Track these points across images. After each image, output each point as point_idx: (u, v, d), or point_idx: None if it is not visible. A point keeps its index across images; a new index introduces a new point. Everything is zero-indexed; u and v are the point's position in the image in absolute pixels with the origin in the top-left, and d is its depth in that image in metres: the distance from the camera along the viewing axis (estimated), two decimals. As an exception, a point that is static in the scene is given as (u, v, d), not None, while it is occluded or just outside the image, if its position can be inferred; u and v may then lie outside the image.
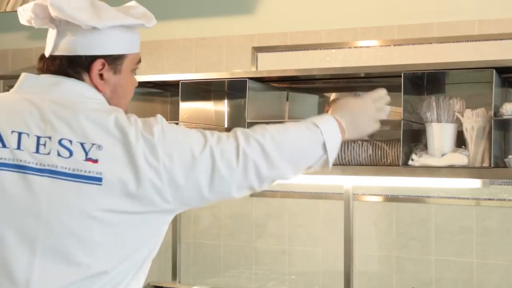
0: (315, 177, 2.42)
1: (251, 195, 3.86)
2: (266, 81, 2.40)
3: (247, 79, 2.25)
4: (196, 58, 3.97)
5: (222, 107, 2.61)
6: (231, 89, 2.56)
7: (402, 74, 2.03)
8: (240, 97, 2.51)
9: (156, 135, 1.39)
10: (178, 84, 2.36)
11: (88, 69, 1.48)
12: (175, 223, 2.69)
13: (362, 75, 2.26)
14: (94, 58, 1.48)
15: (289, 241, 3.73)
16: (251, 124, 2.25)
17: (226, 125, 2.60)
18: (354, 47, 3.58)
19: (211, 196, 1.43)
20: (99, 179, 1.33)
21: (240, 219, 3.86)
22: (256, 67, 3.80)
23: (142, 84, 2.60)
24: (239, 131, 1.47)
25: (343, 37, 3.56)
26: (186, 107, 2.38)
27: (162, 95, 2.74)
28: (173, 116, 2.64)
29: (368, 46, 3.53)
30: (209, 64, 3.91)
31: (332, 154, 1.54)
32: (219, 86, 2.51)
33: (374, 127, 1.64)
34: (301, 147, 1.50)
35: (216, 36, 3.96)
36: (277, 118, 2.47)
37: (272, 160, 1.46)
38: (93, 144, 1.35)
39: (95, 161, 1.34)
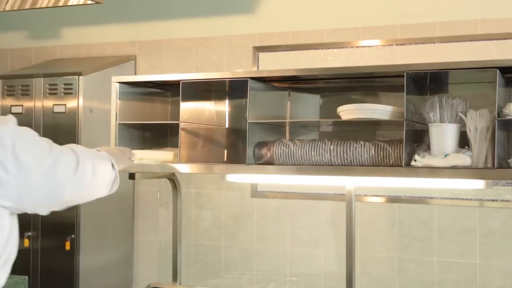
0: (316, 178, 2.41)
1: (252, 196, 3.87)
2: (267, 81, 2.39)
3: (248, 79, 2.24)
4: (196, 58, 3.97)
5: (223, 107, 2.61)
6: (232, 89, 2.55)
7: (405, 74, 2.03)
8: (241, 97, 2.50)
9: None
10: (179, 84, 2.35)
11: None
12: (175, 224, 2.69)
13: (364, 75, 2.25)
14: None
15: (290, 242, 3.73)
16: (252, 125, 2.26)
17: (227, 125, 2.59)
18: (356, 47, 3.58)
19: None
20: None
21: (241, 220, 3.86)
22: (257, 67, 3.80)
23: (142, 84, 2.60)
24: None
25: (345, 36, 3.56)
26: (187, 107, 2.38)
27: (163, 95, 2.73)
28: (174, 116, 2.64)
29: (370, 46, 3.53)
30: (210, 63, 3.91)
31: (117, 172, 1.85)
32: (220, 86, 2.50)
33: (129, 162, 2.10)
34: (103, 168, 1.79)
35: (216, 36, 3.96)
36: (278, 118, 2.46)
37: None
38: None
39: None
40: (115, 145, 2.45)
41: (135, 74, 4.03)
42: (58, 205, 1.60)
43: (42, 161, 1.53)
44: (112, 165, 1.82)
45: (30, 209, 1.56)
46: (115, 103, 2.47)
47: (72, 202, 1.64)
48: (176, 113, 2.43)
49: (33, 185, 1.50)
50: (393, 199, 3.44)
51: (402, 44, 3.38)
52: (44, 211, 1.59)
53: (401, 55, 3.37)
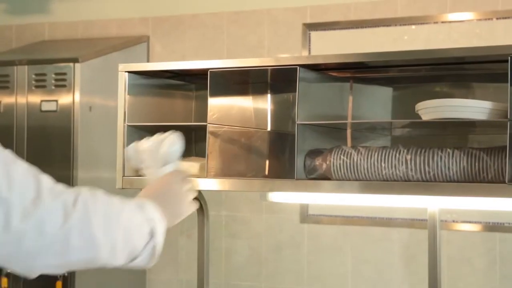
0: (387, 198, 2.41)
1: (302, 221, 3.87)
2: (322, 69, 2.40)
3: (298, 67, 2.25)
4: (228, 39, 4.01)
5: (264, 104, 2.62)
6: (276, 81, 2.57)
7: (509, 58, 2.01)
8: (288, 91, 2.51)
9: None
10: (206, 74, 2.38)
11: None
12: (201, 258, 2.72)
13: (453, 60, 2.25)
14: None
15: (352, 283, 3.73)
16: (303, 127, 2.28)
17: (269, 128, 2.61)
18: (442, 22, 3.56)
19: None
20: None
21: (287, 253, 3.87)
22: (309, 51, 3.82)
23: (157, 74, 2.64)
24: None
25: (427, 8, 3.55)
26: (216, 104, 2.40)
27: (184, 88, 2.77)
28: (200, 117, 2.66)
29: (460, 21, 3.51)
30: (246, 47, 3.94)
31: (161, 243, 1.75)
32: (260, 77, 2.52)
33: (189, 210, 1.95)
34: (127, 228, 1.67)
35: (254, 9, 3.99)
36: (337, 119, 2.47)
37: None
38: None
39: None
40: (123, 154, 2.49)
41: (148, 61, 4.09)
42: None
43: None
44: (151, 231, 1.73)
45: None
46: (122, 99, 2.51)
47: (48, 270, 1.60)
48: (202, 112, 2.45)
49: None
50: (492, 227, 3.40)
51: (505, 18, 3.36)
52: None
53: (504, 32, 3.34)
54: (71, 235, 1.54)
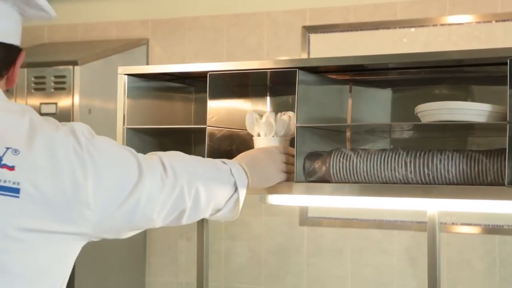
0: (387, 200, 2.41)
1: (301, 223, 3.87)
2: (321, 72, 2.40)
3: (297, 69, 2.25)
4: (228, 42, 4.01)
5: (263, 106, 2.63)
6: (275, 83, 2.57)
7: (508, 60, 2.01)
8: (287, 93, 2.52)
9: (83, 142, 1.56)
10: (205, 77, 2.38)
11: (13, 62, 1.66)
12: (201, 261, 2.71)
13: (452, 62, 2.25)
14: (20, 49, 1.67)
15: (352, 285, 3.72)
16: (302, 129, 2.28)
17: (268, 131, 2.62)
18: (441, 25, 3.56)
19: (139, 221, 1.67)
20: (17, 190, 1.44)
21: (287, 255, 3.87)
22: (308, 53, 3.82)
23: (157, 77, 2.64)
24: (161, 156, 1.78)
25: (426, 11, 3.55)
26: (216, 107, 2.40)
27: (184, 91, 2.77)
28: (199, 119, 2.67)
29: (460, 23, 3.51)
30: (246, 49, 3.94)
31: (243, 194, 1.90)
32: (259, 79, 2.53)
33: (280, 177, 2.11)
34: (213, 182, 1.83)
35: (254, 12, 3.99)
36: (336, 121, 2.47)
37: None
38: (7, 148, 1.46)
39: (12, 168, 1.44)
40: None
41: (148, 63, 4.09)
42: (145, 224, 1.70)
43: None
44: (235, 184, 1.88)
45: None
46: (122, 102, 2.51)
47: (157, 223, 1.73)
48: (201, 115, 2.45)
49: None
50: (492, 230, 3.40)
51: (504, 20, 3.36)
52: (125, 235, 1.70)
53: (503, 35, 3.34)
54: (163, 202, 1.68)
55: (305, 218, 3.80)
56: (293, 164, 2.18)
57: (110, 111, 2.72)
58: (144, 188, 1.62)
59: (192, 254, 3.01)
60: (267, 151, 2.16)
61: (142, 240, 4.08)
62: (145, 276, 4.09)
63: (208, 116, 2.37)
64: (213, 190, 1.82)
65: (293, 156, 2.19)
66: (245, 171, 1.95)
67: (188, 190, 1.74)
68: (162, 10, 4.07)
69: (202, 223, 2.72)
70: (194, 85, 2.76)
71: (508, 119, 2.02)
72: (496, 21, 3.37)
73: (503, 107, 2.07)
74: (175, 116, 2.72)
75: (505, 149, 2.01)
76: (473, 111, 2.16)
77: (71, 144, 1.54)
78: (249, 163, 1.99)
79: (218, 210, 1.88)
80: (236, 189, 1.88)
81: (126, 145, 2.50)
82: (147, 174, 1.64)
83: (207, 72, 2.38)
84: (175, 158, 1.78)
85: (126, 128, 2.51)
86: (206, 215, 1.85)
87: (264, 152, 2.14)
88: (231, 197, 1.88)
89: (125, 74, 2.53)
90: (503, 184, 2.03)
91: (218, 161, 1.93)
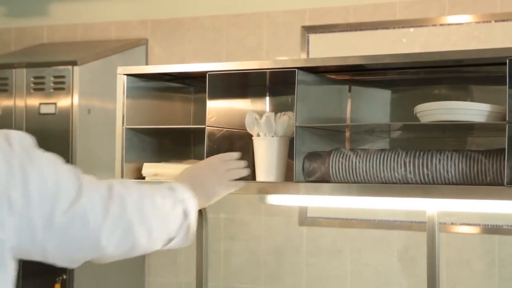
0: (386, 200, 2.41)
1: (301, 223, 3.87)
2: (321, 72, 2.40)
3: (296, 70, 2.25)
4: (227, 42, 4.01)
5: (263, 106, 2.63)
6: (275, 83, 2.57)
7: (508, 60, 2.01)
8: (286, 93, 2.52)
9: (17, 150, 1.53)
10: (204, 77, 2.38)
11: None
12: (200, 261, 2.71)
13: (452, 63, 2.25)
14: None
15: (352, 285, 3.72)
16: (301, 130, 2.28)
17: (267, 131, 2.61)
18: (440, 25, 3.56)
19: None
20: None
21: (286, 255, 3.87)
22: (307, 53, 3.82)
23: (156, 77, 2.64)
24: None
25: (425, 11, 3.55)
26: (215, 107, 2.40)
27: (183, 91, 2.77)
28: (198, 119, 2.67)
29: (459, 23, 3.51)
30: (245, 49, 3.94)
31: (193, 219, 1.84)
32: (259, 79, 2.53)
33: (227, 189, 2.06)
34: (162, 213, 1.76)
35: (254, 12, 3.99)
36: (335, 121, 2.47)
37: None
38: None
39: None
40: (122, 157, 2.49)
41: (147, 63, 4.09)
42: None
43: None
44: (184, 211, 1.82)
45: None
46: (121, 102, 2.51)
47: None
48: (201, 115, 2.45)
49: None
50: (491, 230, 3.40)
51: (503, 20, 3.36)
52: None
53: (502, 35, 3.34)
54: (111, 226, 1.61)
55: (304, 218, 3.80)
56: (239, 167, 2.14)
57: (110, 111, 2.72)
58: (81, 208, 1.56)
59: (191, 254, 3.01)
60: (208, 164, 2.11)
61: (141, 240, 4.08)
62: (145, 276, 4.09)
63: (208, 116, 2.37)
64: (163, 222, 1.76)
65: (236, 159, 2.16)
66: (192, 194, 1.88)
67: (139, 222, 1.68)
68: (161, 10, 4.07)
69: (201, 223, 2.72)
70: (193, 85, 2.76)
71: (507, 119, 2.02)
72: (496, 21, 3.37)
73: (503, 107, 2.07)
74: (175, 116, 2.72)
75: (504, 149, 2.01)
76: (472, 111, 2.16)
77: (1, 148, 1.50)
78: (194, 183, 1.94)
79: (171, 240, 1.82)
80: (186, 216, 1.83)
81: (126, 145, 2.50)
82: (87, 196, 1.58)
83: (206, 72, 2.38)
84: (123, 186, 1.71)
85: (126, 128, 2.51)
86: (157, 246, 1.79)
87: (206, 167, 2.10)
88: (181, 224, 1.82)
89: (124, 74, 2.53)
90: (503, 184, 2.03)
91: (165, 187, 1.86)
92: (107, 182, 1.67)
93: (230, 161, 2.15)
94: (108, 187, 1.65)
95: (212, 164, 2.11)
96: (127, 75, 2.53)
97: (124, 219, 1.64)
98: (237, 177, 2.14)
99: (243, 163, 2.18)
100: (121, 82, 2.52)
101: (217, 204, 3.86)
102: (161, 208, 1.76)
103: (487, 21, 3.39)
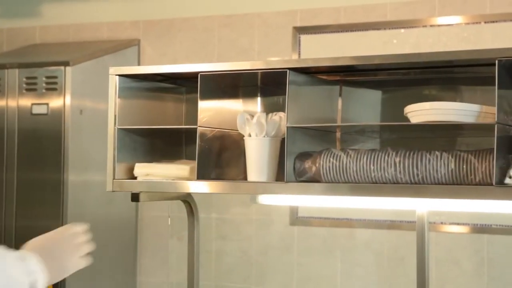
0: (376, 200, 2.42)
1: (292, 223, 3.87)
2: (312, 73, 2.41)
3: (287, 70, 2.26)
4: (219, 43, 4.01)
5: (254, 107, 2.63)
6: (266, 84, 2.58)
7: (497, 61, 2.02)
8: (278, 93, 2.52)
9: None
10: (196, 77, 2.39)
11: None
12: (191, 261, 2.71)
13: (441, 63, 2.26)
14: None
15: (342, 285, 3.73)
16: (292, 130, 2.28)
17: (259, 131, 2.62)
18: (431, 26, 3.57)
19: None
20: None
21: (277, 255, 3.87)
22: (299, 54, 3.82)
23: (148, 77, 2.64)
24: None
25: (416, 12, 3.56)
26: (207, 107, 2.41)
27: (175, 92, 2.77)
28: (190, 119, 2.67)
29: (449, 24, 3.52)
30: (237, 50, 3.94)
31: None
32: (250, 80, 2.53)
33: (77, 266, 1.89)
34: (3, 279, 1.61)
35: (246, 13, 3.99)
36: (326, 122, 2.48)
37: None
38: None
39: None
40: (114, 157, 2.49)
41: (139, 64, 4.09)
42: None
43: None
44: None
45: None
46: (113, 102, 2.51)
47: None
48: (193, 115, 2.46)
49: None
50: (480, 229, 3.41)
51: (493, 21, 3.37)
52: None
53: (491, 36, 3.36)
54: None
55: (295, 218, 3.80)
56: (85, 241, 1.92)
57: (102, 112, 2.72)
58: None
59: (183, 254, 3.01)
60: (62, 237, 1.88)
61: (133, 240, 4.08)
62: (136, 276, 4.09)
63: (199, 116, 2.38)
64: None
65: (82, 233, 1.92)
66: (42, 268, 1.73)
67: None
68: (153, 11, 4.07)
69: (193, 223, 2.73)
70: (185, 85, 2.76)
71: (496, 120, 2.03)
72: (485, 22, 3.39)
73: (492, 108, 2.08)
74: (166, 117, 2.73)
75: (493, 149, 2.02)
76: (461, 111, 2.17)
77: None
78: (46, 257, 1.77)
79: None
80: None
81: (118, 145, 2.50)
82: None
83: (198, 72, 2.39)
84: None
85: (118, 128, 2.51)
86: None
87: (59, 240, 1.87)
88: None
89: (116, 75, 2.53)
90: (491, 184, 2.04)
91: (17, 256, 1.69)
92: None
93: (79, 234, 1.90)
94: None
95: (67, 235, 1.88)
96: (119, 75, 2.53)
97: None
98: (85, 252, 1.92)
99: (89, 236, 1.94)
100: (113, 82, 2.53)
101: (208, 204, 3.88)
102: (4, 276, 1.63)
103: (476, 22, 3.40)
